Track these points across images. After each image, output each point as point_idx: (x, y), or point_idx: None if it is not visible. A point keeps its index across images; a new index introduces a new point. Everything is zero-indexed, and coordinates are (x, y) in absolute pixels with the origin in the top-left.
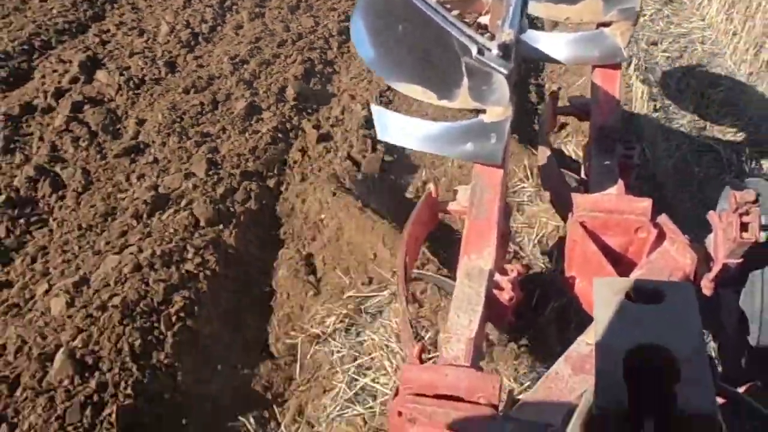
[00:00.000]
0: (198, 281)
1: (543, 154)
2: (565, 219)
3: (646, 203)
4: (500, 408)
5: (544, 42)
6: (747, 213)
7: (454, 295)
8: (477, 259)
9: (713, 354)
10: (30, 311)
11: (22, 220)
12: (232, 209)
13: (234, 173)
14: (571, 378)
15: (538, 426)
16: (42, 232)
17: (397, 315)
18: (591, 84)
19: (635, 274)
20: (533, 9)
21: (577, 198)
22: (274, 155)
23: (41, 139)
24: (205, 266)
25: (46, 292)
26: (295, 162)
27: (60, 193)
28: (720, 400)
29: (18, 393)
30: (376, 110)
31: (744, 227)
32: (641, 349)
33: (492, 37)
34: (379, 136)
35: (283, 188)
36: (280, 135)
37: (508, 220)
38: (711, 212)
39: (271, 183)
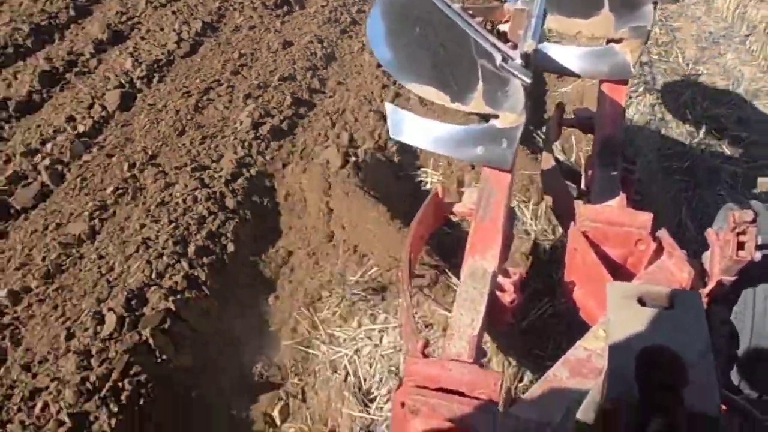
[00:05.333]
0: None
1: (547, 161)
2: (563, 225)
3: (646, 217)
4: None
5: (558, 54)
6: (744, 232)
7: (458, 294)
8: (481, 260)
9: None
10: None
11: None
12: None
13: None
14: (569, 380)
15: (536, 423)
16: None
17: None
18: (597, 97)
19: None
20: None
21: (581, 207)
22: None
23: None
24: None
25: None
26: None
27: None
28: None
29: None
30: (391, 108)
31: (740, 246)
32: (651, 351)
33: (514, 46)
34: (392, 135)
35: None
36: None
37: (512, 224)
38: (709, 230)
39: None
